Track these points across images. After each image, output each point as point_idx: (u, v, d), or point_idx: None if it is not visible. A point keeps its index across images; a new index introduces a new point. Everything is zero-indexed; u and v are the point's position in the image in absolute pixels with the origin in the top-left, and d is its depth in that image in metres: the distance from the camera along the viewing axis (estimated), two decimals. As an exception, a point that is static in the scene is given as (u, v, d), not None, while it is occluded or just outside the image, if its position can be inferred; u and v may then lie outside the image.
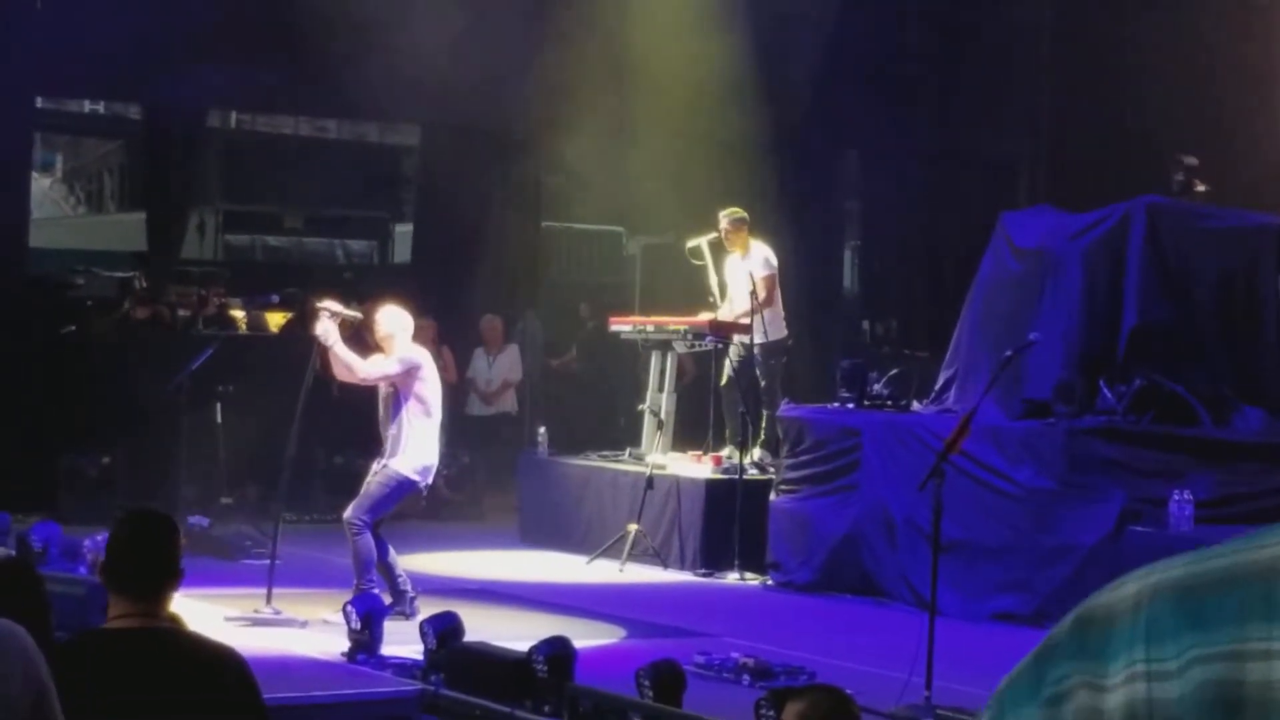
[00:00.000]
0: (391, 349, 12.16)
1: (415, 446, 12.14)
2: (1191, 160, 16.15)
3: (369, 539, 12.09)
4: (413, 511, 15.51)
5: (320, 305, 12.35)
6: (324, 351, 12.08)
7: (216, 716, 4.73)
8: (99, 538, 12.77)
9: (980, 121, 21.08)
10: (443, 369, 18.24)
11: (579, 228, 25.33)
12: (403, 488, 12.23)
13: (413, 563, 12.71)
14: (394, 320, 12.29)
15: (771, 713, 8.58)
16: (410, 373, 12.10)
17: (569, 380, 21.02)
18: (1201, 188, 15.87)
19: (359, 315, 12.73)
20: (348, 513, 12.20)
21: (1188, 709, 0.99)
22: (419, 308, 18.33)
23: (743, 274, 15.47)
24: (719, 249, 15.84)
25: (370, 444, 12.72)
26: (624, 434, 17.65)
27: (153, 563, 4.81)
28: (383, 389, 12.25)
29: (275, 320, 19.47)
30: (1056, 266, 13.86)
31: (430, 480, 12.46)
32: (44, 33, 17.74)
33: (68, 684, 4.49)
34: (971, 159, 21.39)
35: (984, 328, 14.28)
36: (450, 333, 19.00)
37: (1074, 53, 20.40)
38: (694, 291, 16.41)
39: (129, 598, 4.79)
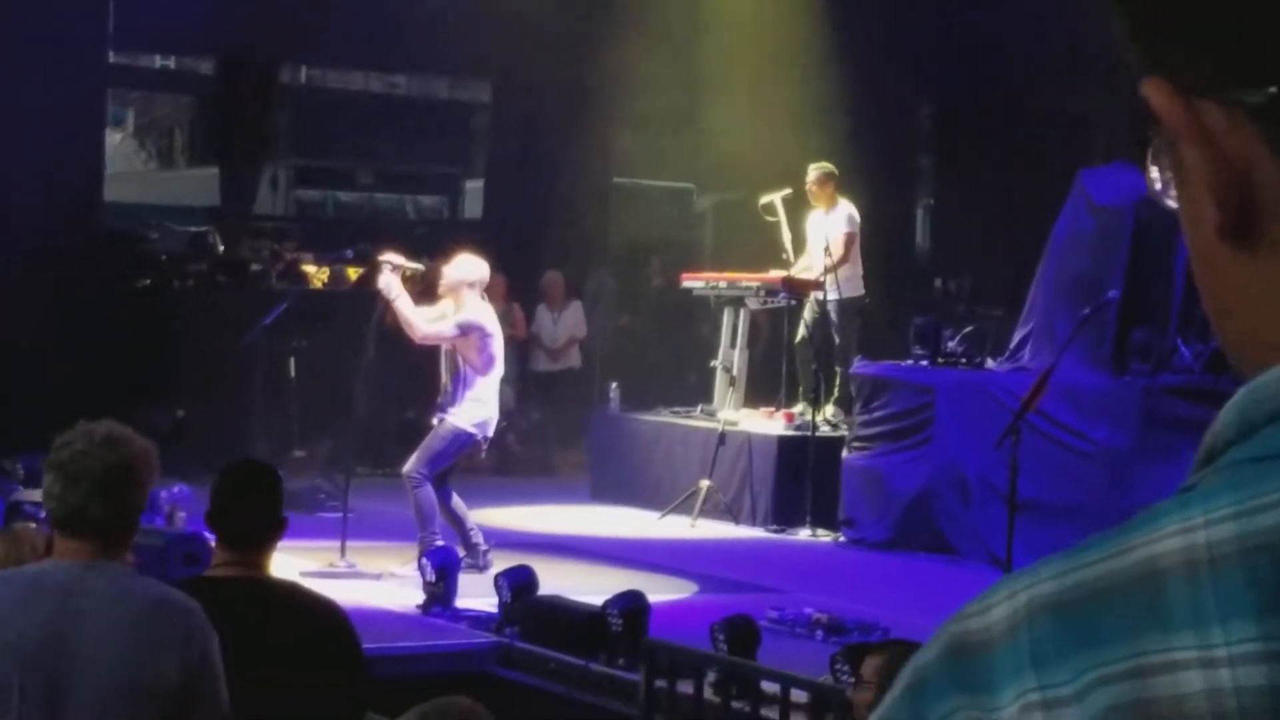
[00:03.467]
0: (458, 303, 12.12)
1: (473, 401, 12.15)
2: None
3: (429, 491, 12.11)
4: (482, 466, 15.56)
5: (382, 258, 12.33)
6: (388, 305, 12.08)
7: (316, 667, 4.75)
8: (175, 490, 12.91)
9: (1056, 76, 20.90)
10: (513, 324, 18.33)
11: (649, 184, 25.26)
12: (459, 440, 12.23)
13: (484, 517, 12.74)
14: (462, 271, 12.22)
15: (847, 667, 8.55)
16: (467, 335, 12.07)
17: (639, 337, 21.00)
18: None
19: (421, 268, 12.70)
20: (407, 466, 12.24)
21: None
22: (490, 264, 18.39)
23: (823, 231, 15.38)
24: (795, 205, 15.76)
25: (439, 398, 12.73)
26: (695, 390, 17.63)
27: (256, 513, 4.84)
28: (444, 344, 12.25)
29: (352, 275, 19.54)
30: (1135, 224, 13.74)
31: (489, 434, 12.44)
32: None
33: None
34: (1046, 114, 21.21)
35: (1060, 285, 14.17)
36: (520, 289, 19.00)
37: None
38: (766, 248, 16.34)
39: (232, 547, 4.82)
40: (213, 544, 5.04)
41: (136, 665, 4.03)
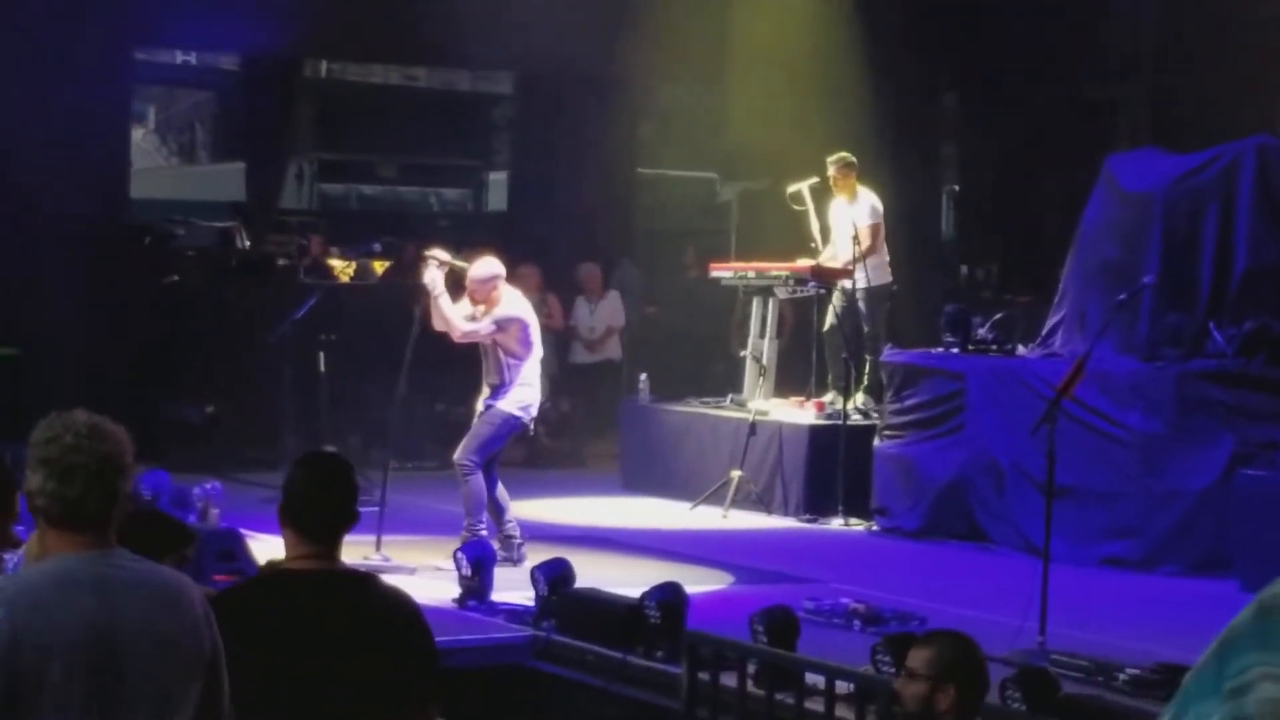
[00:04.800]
0: (491, 301, 12.17)
1: (519, 386, 12.24)
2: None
3: (479, 480, 12.17)
4: (513, 458, 15.55)
5: (429, 254, 12.39)
6: (428, 300, 12.12)
7: (392, 661, 4.74)
8: (208, 486, 12.90)
9: (1079, 61, 20.84)
10: (548, 316, 18.33)
11: (672, 174, 25.24)
12: (508, 425, 12.31)
13: (516, 510, 12.74)
14: (490, 269, 12.30)
15: (888, 657, 8.55)
16: (506, 329, 12.15)
17: (666, 327, 20.99)
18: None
19: (466, 266, 12.75)
20: (457, 454, 12.29)
21: None
22: (517, 256, 18.40)
23: (847, 220, 15.39)
24: (820, 194, 15.75)
25: (472, 391, 12.74)
26: (723, 381, 17.62)
27: (337, 505, 4.84)
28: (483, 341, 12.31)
29: (378, 269, 19.55)
30: (1165, 209, 13.71)
31: (534, 414, 12.51)
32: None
33: (246, 624, 4.53)
34: (1070, 100, 21.15)
35: (1091, 272, 14.14)
36: (548, 280, 19.00)
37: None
38: (792, 237, 16.33)
39: (309, 539, 4.81)
40: (247, 537, 5.03)
41: (181, 641, 4.08)
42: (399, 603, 4.88)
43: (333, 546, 4.82)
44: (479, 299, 12.29)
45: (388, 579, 10.21)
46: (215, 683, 4.15)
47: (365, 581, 4.93)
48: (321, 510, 4.82)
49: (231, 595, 5.08)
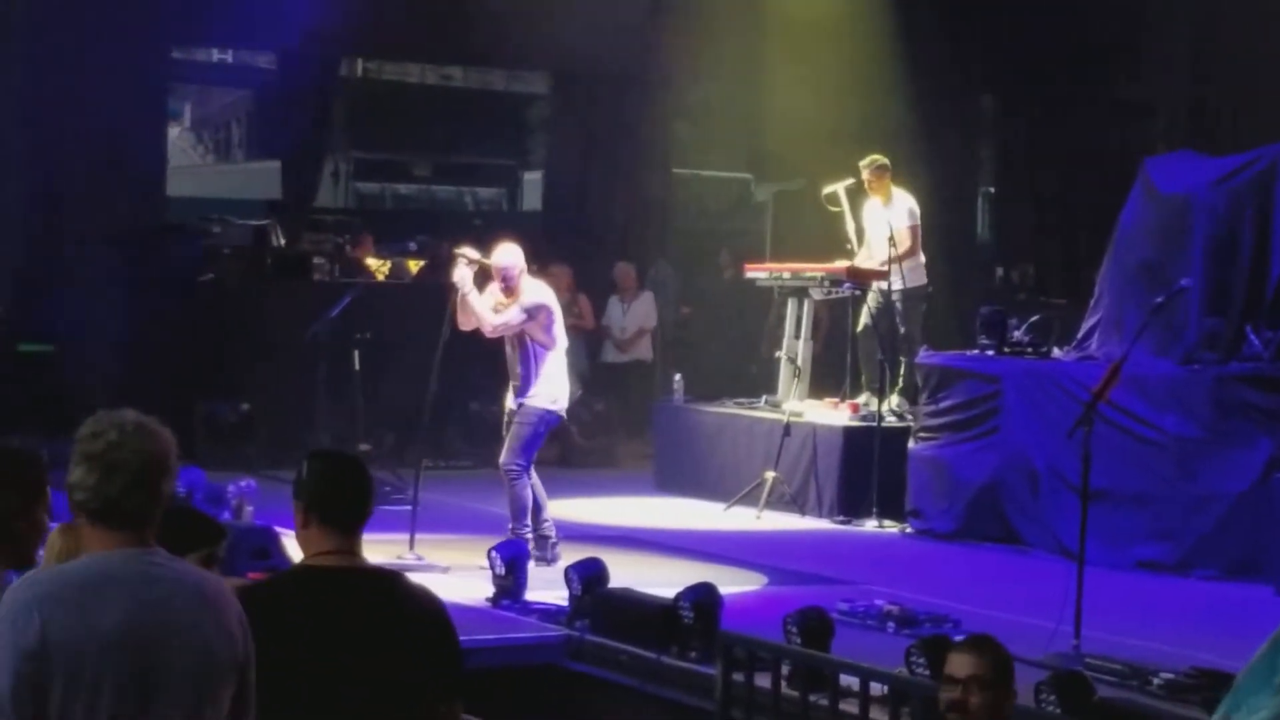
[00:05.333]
0: (516, 289, 12.18)
1: (545, 380, 12.24)
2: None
3: (526, 484, 12.18)
4: (547, 458, 15.55)
5: (459, 251, 12.41)
6: (459, 298, 12.13)
7: (413, 659, 4.74)
8: (242, 483, 12.94)
9: (1116, 63, 20.79)
10: (579, 316, 18.35)
11: (707, 174, 25.25)
12: (545, 421, 12.32)
13: (549, 509, 12.73)
14: (514, 257, 12.30)
15: (923, 660, 8.54)
16: (535, 317, 12.14)
17: (700, 327, 20.99)
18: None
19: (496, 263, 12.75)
20: (502, 459, 12.26)
21: None
22: (551, 255, 18.41)
23: (883, 222, 15.36)
24: (856, 195, 15.73)
25: (502, 389, 12.72)
26: (758, 382, 17.61)
27: (359, 499, 4.85)
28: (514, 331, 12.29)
29: (413, 268, 19.57)
30: (1202, 212, 13.65)
31: (565, 406, 12.51)
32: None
33: (272, 619, 4.52)
34: (1106, 102, 21.10)
35: (1128, 275, 14.08)
36: (578, 281, 19.00)
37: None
38: (827, 238, 16.31)
39: (335, 534, 4.81)
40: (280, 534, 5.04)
41: (217, 644, 4.07)
42: (423, 600, 4.88)
43: (355, 542, 4.83)
44: (505, 289, 12.27)
45: (421, 578, 10.25)
46: (246, 684, 4.16)
47: (390, 579, 4.93)
48: (350, 504, 4.82)
49: (258, 590, 5.08)
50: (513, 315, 12.16)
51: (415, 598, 4.89)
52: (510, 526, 12.25)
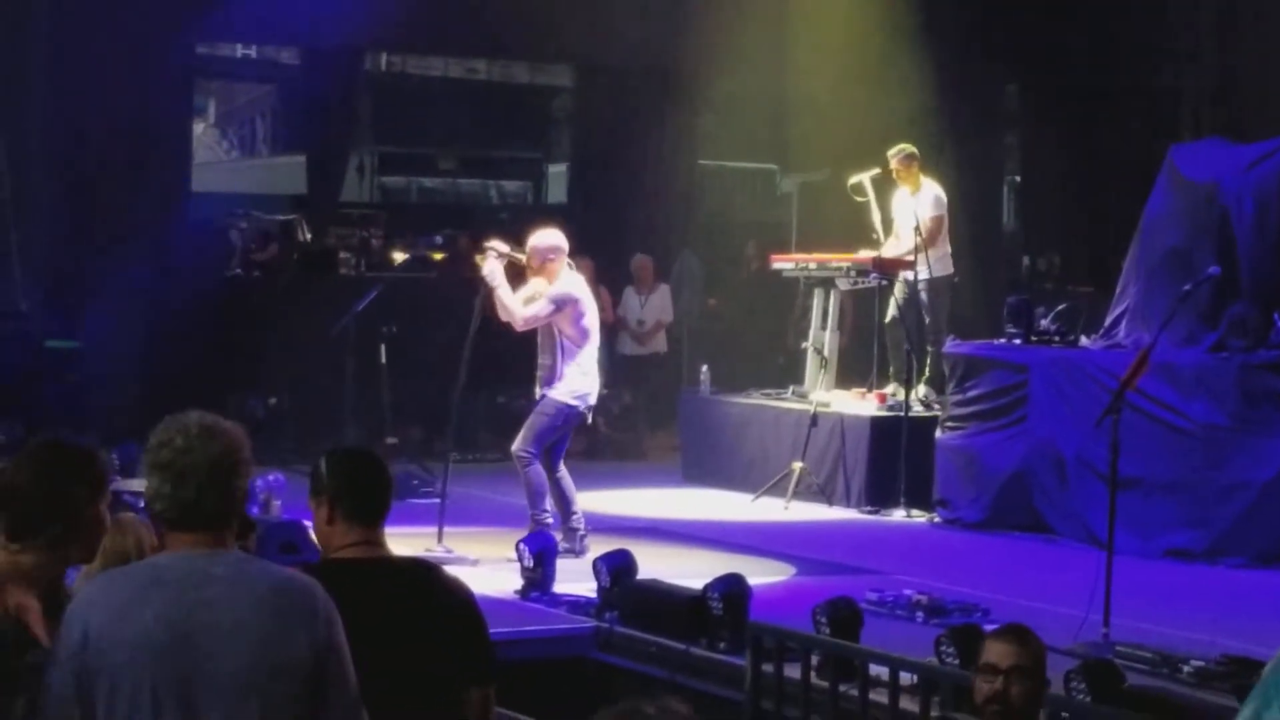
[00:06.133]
0: (550, 276, 12.17)
1: (572, 374, 12.22)
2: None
3: (539, 469, 12.18)
4: (574, 450, 15.54)
5: (488, 245, 12.42)
6: (489, 291, 12.13)
7: (442, 650, 4.75)
8: (271, 478, 12.96)
9: (1142, 50, 20.73)
10: (600, 309, 18.32)
11: (732, 165, 25.22)
12: (563, 415, 12.29)
13: (579, 502, 12.72)
14: (551, 239, 12.31)
15: (953, 649, 8.52)
16: (563, 308, 12.13)
17: (727, 318, 20.97)
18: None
19: (524, 256, 12.75)
20: (515, 444, 12.30)
21: None
22: (576, 248, 18.38)
23: (910, 211, 15.34)
24: (882, 184, 15.71)
25: (532, 382, 12.73)
26: (784, 373, 17.60)
27: (381, 491, 4.88)
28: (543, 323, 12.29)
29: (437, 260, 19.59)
30: (1229, 199, 13.60)
31: (591, 403, 12.48)
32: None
33: None
34: (1132, 90, 21.04)
35: (1155, 263, 14.04)
36: (604, 273, 18.99)
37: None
38: (853, 229, 16.29)
39: (360, 527, 4.83)
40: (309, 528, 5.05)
41: (269, 647, 4.03)
42: (453, 589, 4.90)
43: (380, 534, 4.85)
44: (535, 268, 12.26)
45: (450, 571, 10.27)
46: (324, 684, 4.07)
47: (420, 568, 4.95)
48: (368, 496, 4.86)
49: None
50: (541, 308, 12.16)
51: (445, 587, 4.90)
52: (531, 514, 12.25)
